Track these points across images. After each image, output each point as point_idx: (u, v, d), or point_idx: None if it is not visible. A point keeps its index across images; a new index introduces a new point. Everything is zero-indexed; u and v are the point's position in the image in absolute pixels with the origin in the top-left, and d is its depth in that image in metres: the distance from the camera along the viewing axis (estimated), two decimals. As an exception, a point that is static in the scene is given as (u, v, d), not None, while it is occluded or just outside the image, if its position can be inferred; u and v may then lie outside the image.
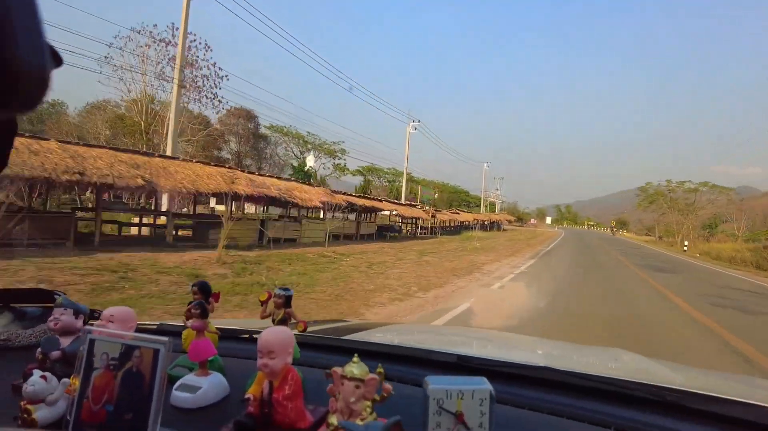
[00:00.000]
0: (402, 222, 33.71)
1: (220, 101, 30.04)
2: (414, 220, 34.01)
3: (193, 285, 1.12)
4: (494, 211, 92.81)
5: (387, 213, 30.38)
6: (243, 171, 16.40)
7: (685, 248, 40.06)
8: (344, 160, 53.70)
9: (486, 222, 57.50)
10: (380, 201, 26.70)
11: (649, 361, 1.62)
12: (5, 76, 0.26)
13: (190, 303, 1.14)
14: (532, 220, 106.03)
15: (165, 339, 0.83)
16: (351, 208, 21.41)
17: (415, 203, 37.05)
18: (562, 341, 2.04)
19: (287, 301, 1.12)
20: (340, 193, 21.85)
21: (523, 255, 21.31)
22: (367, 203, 22.98)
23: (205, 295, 1.11)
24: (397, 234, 28.72)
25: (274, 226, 16.48)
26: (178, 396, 0.98)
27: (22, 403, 0.92)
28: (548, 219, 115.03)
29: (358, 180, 67.56)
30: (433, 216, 34.88)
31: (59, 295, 1.47)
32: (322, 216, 21.81)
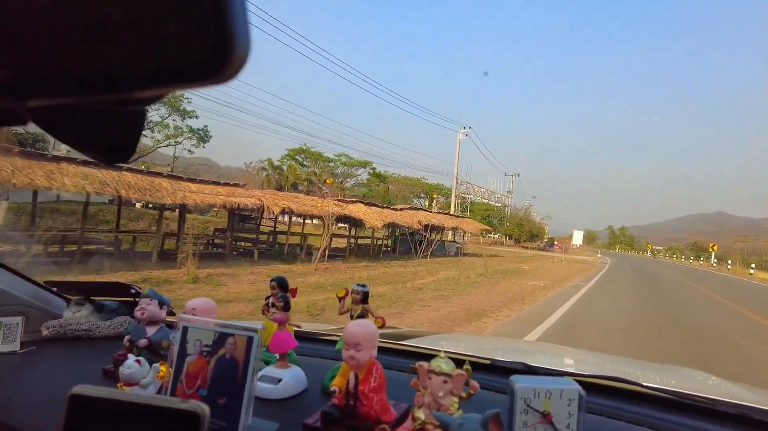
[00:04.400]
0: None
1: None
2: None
3: (271, 280, 1.16)
4: (502, 218, 61.01)
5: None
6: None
7: None
8: (193, 115, 30.11)
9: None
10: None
11: (722, 381, 1.55)
12: (223, 53, 0.29)
13: (267, 297, 1.18)
14: (574, 243, 58.84)
15: (259, 326, 0.86)
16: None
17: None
18: (628, 357, 1.97)
19: (365, 297, 1.14)
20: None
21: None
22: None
23: (282, 290, 1.15)
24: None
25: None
26: (261, 386, 1.01)
27: (118, 385, 0.98)
28: (578, 236, 61.59)
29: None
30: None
31: (135, 289, 1.55)
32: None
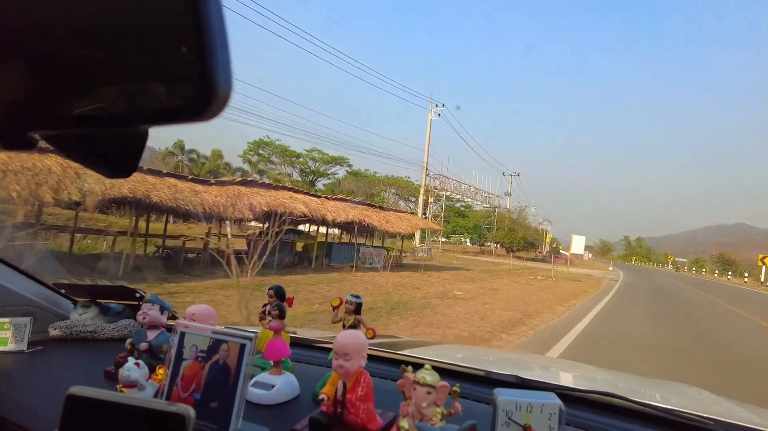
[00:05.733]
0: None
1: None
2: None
3: (269, 289, 1.20)
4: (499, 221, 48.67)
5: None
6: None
7: None
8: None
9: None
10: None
11: (715, 397, 1.55)
12: (206, 93, 0.33)
13: (264, 305, 1.22)
14: (573, 252, 28.94)
15: (252, 334, 0.90)
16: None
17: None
18: (625, 372, 1.97)
19: (358, 308, 1.17)
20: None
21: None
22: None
23: (279, 299, 1.18)
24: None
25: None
26: (254, 392, 1.04)
27: (117, 386, 1.02)
28: (578, 243, 26.97)
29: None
30: None
31: (140, 293, 1.60)
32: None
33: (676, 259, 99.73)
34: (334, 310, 1.20)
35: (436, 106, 36.22)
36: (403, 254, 23.12)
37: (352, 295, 1.18)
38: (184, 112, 0.35)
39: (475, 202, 49.27)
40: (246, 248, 10.55)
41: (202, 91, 0.33)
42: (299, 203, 13.59)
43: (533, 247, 48.37)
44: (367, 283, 12.43)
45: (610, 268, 47.01)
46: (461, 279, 16.40)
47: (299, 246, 15.95)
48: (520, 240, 45.38)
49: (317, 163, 40.69)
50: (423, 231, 34.73)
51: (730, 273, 55.30)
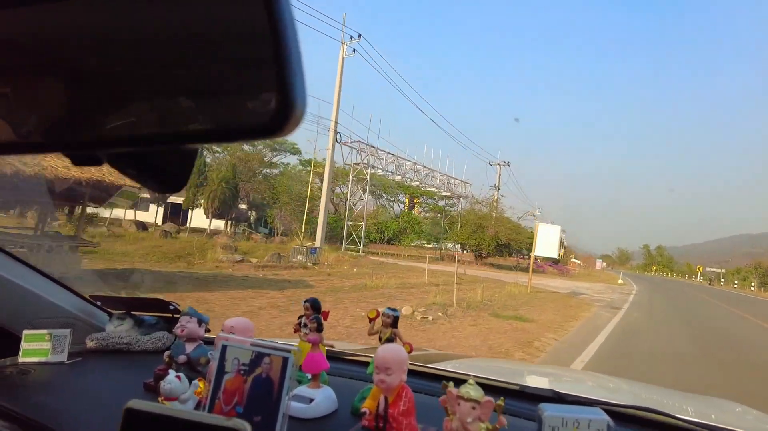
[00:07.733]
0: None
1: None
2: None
3: (305, 302, 1.20)
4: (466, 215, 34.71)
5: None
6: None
7: None
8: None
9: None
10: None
11: (762, 415, 1.50)
12: (286, 112, 0.34)
13: (300, 317, 1.22)
14: (540, 255, 18.20)
15: (295, 347, 0.90)
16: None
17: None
18: (661, 386, 1.93)
19: (395, 321, 1.17)
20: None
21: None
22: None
23: (315, 311, 1.18)
24: None
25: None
26: (294, 406, 1.04)
27: (159, 399, 1.03)
28: (548, 235, 16.79)
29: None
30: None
31: (174, 305, 1.62)
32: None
33: (707, 269, 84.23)
34: (370, 322, 1.20)
35: (351, 38, 23.67)
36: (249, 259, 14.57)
37: (389, 308, 1.18)
38: (260, 130, 0.36)
39: (429, 187, 36.19)
40: None
41: (280, 109, 0.34)
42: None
43: (509, 250, 34.81)
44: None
45: (620, 281, 35.78)
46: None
47: None
48: (490, 241, 32.20)
49: (256, 149, 31.42)
50: (345, 229, 27.60)
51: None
